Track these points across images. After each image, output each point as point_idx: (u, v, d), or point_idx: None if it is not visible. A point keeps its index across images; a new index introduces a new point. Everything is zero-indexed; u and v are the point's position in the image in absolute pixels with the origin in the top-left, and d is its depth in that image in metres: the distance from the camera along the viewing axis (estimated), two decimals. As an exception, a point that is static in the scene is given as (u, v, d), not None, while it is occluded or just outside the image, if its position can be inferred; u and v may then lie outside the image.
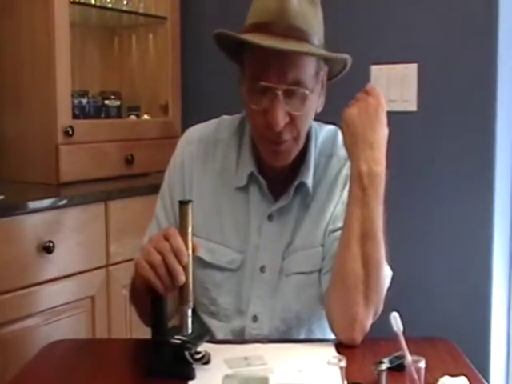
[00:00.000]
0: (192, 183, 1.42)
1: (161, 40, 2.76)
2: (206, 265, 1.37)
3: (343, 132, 1.32)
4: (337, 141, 1.43)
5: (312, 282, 1.37)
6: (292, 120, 1.28)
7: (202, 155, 1.43)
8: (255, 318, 1.38)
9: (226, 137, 1.44)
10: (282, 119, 1.26)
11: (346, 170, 1.38)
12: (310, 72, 1.28)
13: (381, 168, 1.26)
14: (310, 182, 1.38)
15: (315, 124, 1.43)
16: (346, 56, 1.34)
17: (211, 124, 1.49)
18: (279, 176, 1.38)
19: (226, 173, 1.41)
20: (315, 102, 1.34)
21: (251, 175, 1.38)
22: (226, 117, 1.49)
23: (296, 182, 1.37)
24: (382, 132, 1.29)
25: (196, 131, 1.48)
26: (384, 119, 1.30)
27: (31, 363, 1.25)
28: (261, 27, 1.26)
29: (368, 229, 1.25)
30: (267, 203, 1.38)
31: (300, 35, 1.26)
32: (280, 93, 1.25)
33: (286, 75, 1.25)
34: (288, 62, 1.25)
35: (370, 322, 1.28)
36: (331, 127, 1.46)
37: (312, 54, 1.27)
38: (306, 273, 1.38)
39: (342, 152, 1.39)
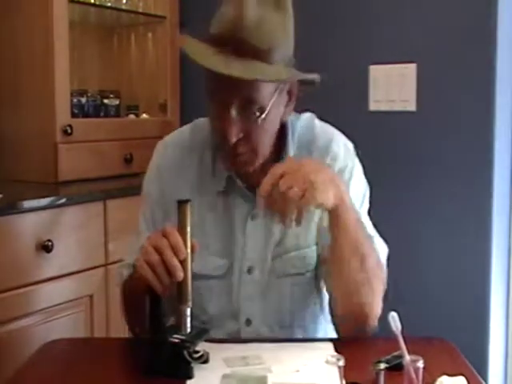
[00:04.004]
0: (171, 192, 1.37)
1: (160, 39, 2.76)
2: (192, 275, 1.31)
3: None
4: (315, 131, 1.40)
5: (306, 281, 1.37)
6: (247, 135, 1.24)
7: (179, 163, 1.40)
8: (248, 322, 1.36)
9: (201, 141, 1.40)
10: (234, 135, 1.22)
11: (328, 162, 1.35)
12: (266, 90, 1.22)
13: (340, 201, 1.18)
14: None
15: (292, 116, 1.37)
16: (301, 76, 1.25)
17: (185, 130, 1.46)
18: (259, 174, 1.31)
19: (205, 178, 1.37)
20: (277, 114, 1.28)
21: (229, 178, 1.35)
22: (199, 120, 1.45)
23: None
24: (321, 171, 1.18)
25: (170, 140, 1.46)
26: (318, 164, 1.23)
27: (29, 362, 1.25)
28: (215, 39, 1.21)
29: (354, 251, 1.23)
30: (249, 203, 1.35)
31: (254, 53, 1.18)
32: (232, 109, 1.21)
33: (238, 93, 1.20)
34: (239, 81, 1.17)
35: (381, 305, 1.29)
36: (307, 116, 1.43)
37: (255, 80, 1.19)
38: (300, 273, 1.37)
39: (321, 142, 1.38)
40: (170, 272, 1.12)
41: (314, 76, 1.27)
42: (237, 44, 1.18)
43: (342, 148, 1.40)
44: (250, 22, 1.18)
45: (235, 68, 1.16)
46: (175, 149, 1.41)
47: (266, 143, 1.29)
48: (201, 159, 1.39)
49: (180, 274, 1.12)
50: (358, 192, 1.38)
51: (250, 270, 1.36)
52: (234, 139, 1.22)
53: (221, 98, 1.22)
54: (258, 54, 1.18)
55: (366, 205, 1.42)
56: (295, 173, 1.13)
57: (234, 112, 1.21)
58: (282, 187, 1.11)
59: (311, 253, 1.37)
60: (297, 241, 1.36)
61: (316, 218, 1.36)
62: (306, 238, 1.37)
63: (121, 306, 1.40)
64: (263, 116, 1.23)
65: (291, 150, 1.36)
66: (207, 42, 1.22)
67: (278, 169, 1.14)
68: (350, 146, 1.43)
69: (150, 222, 1.42)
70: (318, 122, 1.43)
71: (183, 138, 1.43)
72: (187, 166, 1.39)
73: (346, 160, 1.38)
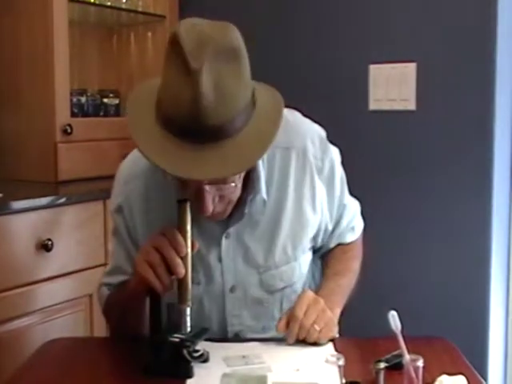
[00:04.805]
0: (136, 225, 1.32)
1: (159, 38, 2.76)
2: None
3: None
4: (288, 125, 1.27)
5: (295, 290, 1.37)
6: (222, 197, 1.18)
7: (143, 193, 1.31)
8: (237, 336, 1.36)
9: None
10: (210, 206, 1.15)
11: (308, 166, 1.33)
12: None
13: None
14: (263, 191, 1.29)
15: None
16: (270, 141, 1.10)
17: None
18: None
19: (171, 205, 1.20)
20: None
21: None
22: None
23: (249, 198, 1.27)
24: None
25: (129, 169, 1.34)
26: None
27: (29, 362, 1.25)
28: (170, 125, 1.07)
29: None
30: (221, 224, 1.30)
31: (218, 133, 1.06)
32: (204, 186, 1.12)
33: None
34: None
35: None
36: None
37: (221, 176, 1.11)
38: (290, 285, 1.37)
39: (299, 141, 1.33)
40: (170, 269, 1.12)
41: (280, 115, 1.13)
42: (198, 131, 1.05)
43: (318, 144, 1.35)
44: (209, 104, 1.04)
45: (199, 169, 1.05)
46: (136, 181, 1.32)
47: (237, 195, 1.23)
48: (165, 184, 1.26)
49: (181, 271, 1.12)
50: (341, 180, 1.40)
51: (232, 289, 1.33)
52: (211, 210, 1.16)
53: (189, 181, 1.12)
54: (221, 132, 1.06)
55: (346, 185, 1.44)
56: (315, 307, 1.25)
57: (207, 188, 1.13)
58: (306, 325, 1.24)
59: (298, 266, 1.37)
60: (286, 254, 1.35)
61: (308, 231, 1.36)
62: (296, 250, 1.36)
63: (109, 321, 1.41)
64: (238, 184, 1.18)
65: (261, 167, 1.28)
66: (160, 126, 1.09)
67: (299, 311, 1.24)
68: (323, 134, 1.39)
69: (121, 244, 1.37)
70: (287, 117, 1.28)
71: (143, 164, 1.28)
72: (153, 194, 1.31)
73: (322, 158, 1.35)
